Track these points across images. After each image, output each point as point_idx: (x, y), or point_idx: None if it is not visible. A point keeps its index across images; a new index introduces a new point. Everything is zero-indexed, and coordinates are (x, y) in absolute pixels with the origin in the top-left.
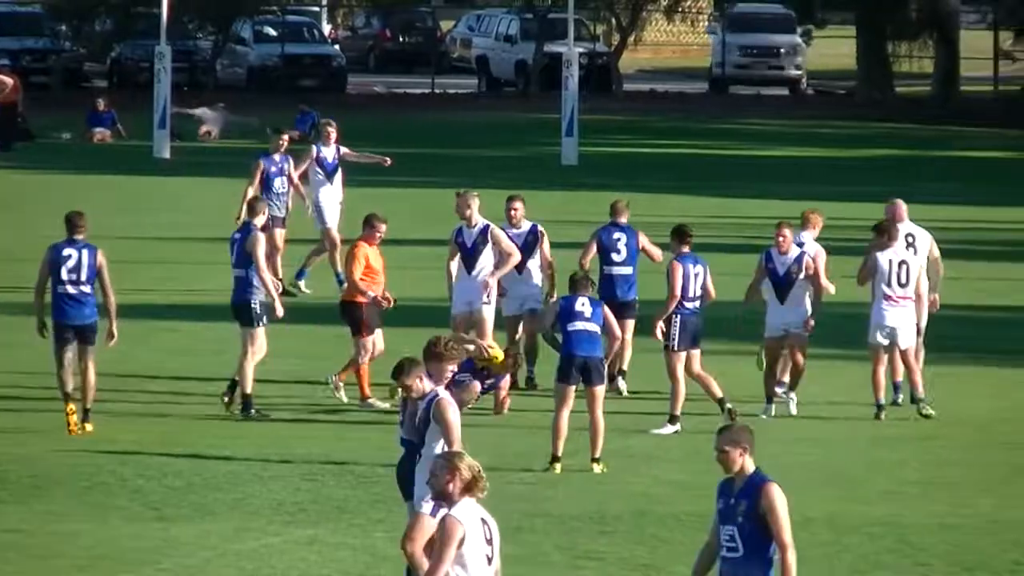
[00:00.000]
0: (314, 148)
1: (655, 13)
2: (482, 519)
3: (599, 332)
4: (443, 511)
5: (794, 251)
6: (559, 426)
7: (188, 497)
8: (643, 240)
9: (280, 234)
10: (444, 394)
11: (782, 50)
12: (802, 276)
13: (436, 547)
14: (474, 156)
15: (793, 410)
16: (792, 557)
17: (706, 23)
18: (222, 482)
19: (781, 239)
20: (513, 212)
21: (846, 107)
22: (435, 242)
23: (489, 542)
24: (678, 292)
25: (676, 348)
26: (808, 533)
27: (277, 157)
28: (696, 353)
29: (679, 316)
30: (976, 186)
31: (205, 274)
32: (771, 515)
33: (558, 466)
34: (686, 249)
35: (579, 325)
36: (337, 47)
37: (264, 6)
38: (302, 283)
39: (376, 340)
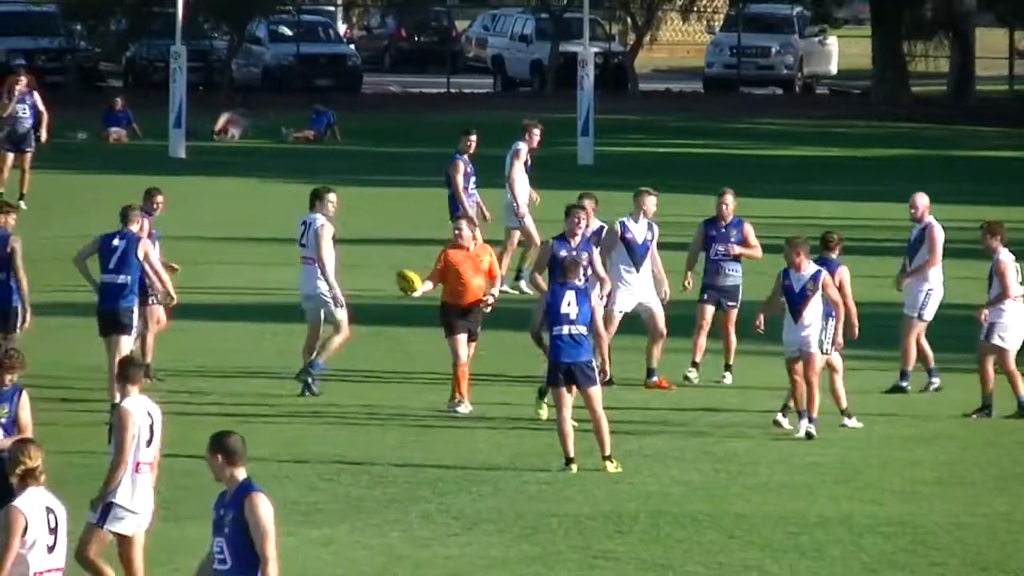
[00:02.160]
0: (522, 147)
1: (670, 13)
2: (47, 508)
3: (585, 332)
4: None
5: (810, 268)
6: (563, 428)
7: (200, 497)
8: (697, 231)
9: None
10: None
11: (773, 50)
12: (818, 294)
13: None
14: (489, 156)
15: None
16: (272, 570)
17: (722, 23)
18: None
19: (797, 259)
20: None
21: (861, 107)
22: (447, 242)
23: (53, 531)
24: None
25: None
26: (823, 533)
27: (467, 157)
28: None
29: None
30: (992, 186)
31: (217, 273)
32: (253, 527)
33: (574, 467)
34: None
35: (564, 330)
36: (352, 47)
37: (279, 6)
38: (522, 284)
39: (463, 344)
